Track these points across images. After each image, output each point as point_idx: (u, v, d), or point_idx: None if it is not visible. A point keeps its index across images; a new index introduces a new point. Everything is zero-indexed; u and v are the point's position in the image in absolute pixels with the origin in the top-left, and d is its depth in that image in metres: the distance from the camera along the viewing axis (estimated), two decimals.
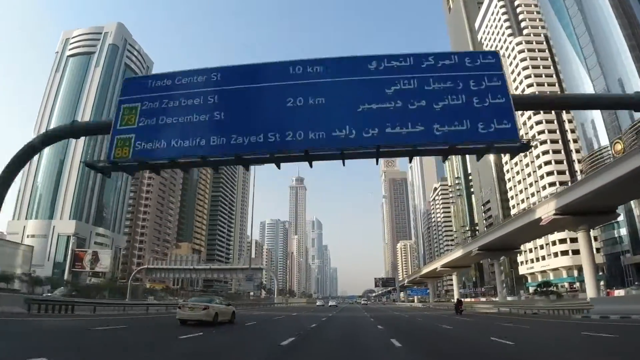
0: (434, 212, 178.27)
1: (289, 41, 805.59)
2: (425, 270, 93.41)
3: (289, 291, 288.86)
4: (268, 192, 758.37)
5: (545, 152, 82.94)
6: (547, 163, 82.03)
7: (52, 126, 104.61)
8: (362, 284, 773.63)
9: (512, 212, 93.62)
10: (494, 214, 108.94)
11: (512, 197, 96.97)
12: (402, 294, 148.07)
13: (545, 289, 49.89)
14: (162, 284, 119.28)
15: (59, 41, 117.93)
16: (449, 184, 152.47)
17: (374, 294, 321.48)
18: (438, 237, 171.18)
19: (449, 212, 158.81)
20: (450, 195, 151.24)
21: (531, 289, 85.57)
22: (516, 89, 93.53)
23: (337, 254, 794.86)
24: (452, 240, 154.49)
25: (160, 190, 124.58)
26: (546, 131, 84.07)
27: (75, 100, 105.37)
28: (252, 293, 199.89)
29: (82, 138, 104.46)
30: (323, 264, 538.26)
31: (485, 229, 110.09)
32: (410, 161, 16.16)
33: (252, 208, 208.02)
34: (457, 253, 65.44)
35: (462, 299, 43.79)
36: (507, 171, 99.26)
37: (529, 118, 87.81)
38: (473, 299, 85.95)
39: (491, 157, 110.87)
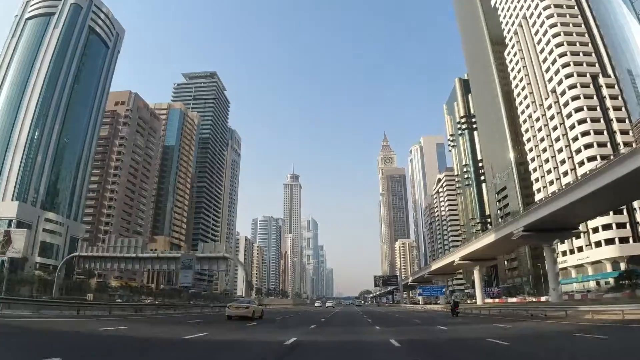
0: (437, 206, 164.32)
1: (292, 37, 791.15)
2: (436, 265, 79.01)
3: (281, 292, 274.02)
4: (261, 190, 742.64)
5: (582, 121, 69.04)
6: (585, 134, 68.09)
7: (3, 94, 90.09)
8: (359, 285, 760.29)
9: (537, 197, 79.96)
10: (512, 203, 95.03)
11: (536, 180, 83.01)
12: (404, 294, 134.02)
13: (628, 281, 35.64)
14: (130, 280, 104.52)
15: (20, 4, 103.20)
16: (456, 173, 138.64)
17: (370, 295, 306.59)
18: (442, 232, 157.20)
19: (455, 204, 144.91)
20: (457, 186, 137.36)
21: (565, 287, 71.63)
22: (545, 60, 79.86)
23: (333, 254, 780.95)
24: (459, 235, 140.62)
25: (131, 175, 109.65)
26: (582, 96, 70.23)
27: (30, 66, 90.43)
28: (242, 293, 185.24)
29: (32, 110, 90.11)
30: (318, 264, 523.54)
31: (500, 220, 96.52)
32: None
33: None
34: (486, 239, 51.27)
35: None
36: (531, 149, 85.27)
37: (560, 82, 73.97)
38: (498, 300, 71.65)
39: (507, 136, 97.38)
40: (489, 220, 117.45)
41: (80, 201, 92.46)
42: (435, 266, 79.12)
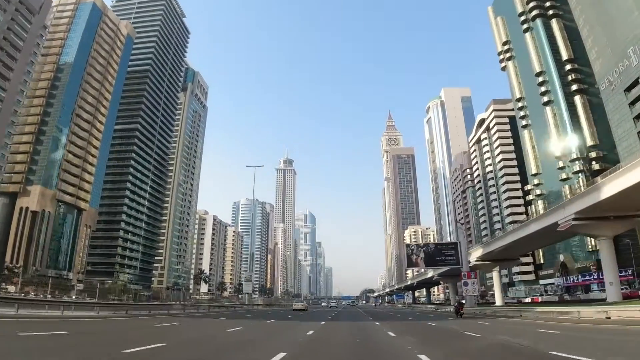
0: (477, 162, 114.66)
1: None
2: None
3: (268, 290, 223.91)
4: (252, 178, 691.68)
5: None
6: None
7: None
8: (360, 284, 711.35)
9: None
10: None
11: None
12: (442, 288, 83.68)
13: None
14: None
15: None
16: (518, 97, 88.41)
17: (375, 294, 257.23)
18: (487, 199, 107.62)
19: (511, 151, 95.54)
20: (522, 114, 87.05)
21: None
22: None
23: (333, 253, 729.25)
24: (520, 197, 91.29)
25: None
26: None
27: None
28: (191, 289, 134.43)
29: None
30: (316, 261, 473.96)
31: None
32: None
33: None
34: None
35: None
36: None
37: None
38: None
39: None
40: (592, 154, 67.99)
41: None
42: None
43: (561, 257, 71.79)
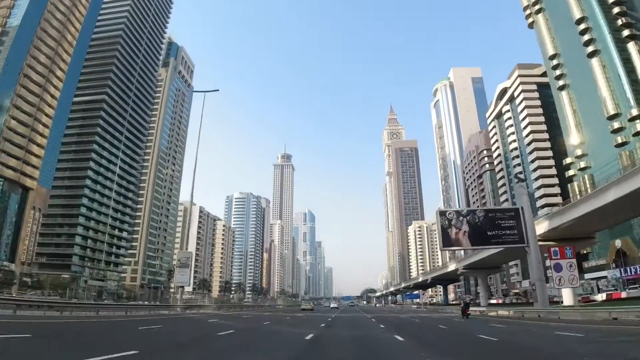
0: (497, 141, 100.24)
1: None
2: None
3: (262, 290, 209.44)
4: (248, 170, 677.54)
5: None
6: None
7: None
8: (360, 285, 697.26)
9: None
10: None
11: None
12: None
13: None
14: None
15: None
16: (551, 54, 73.88)
17: (377, 294, 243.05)
18: (510, 182, 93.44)
19: (541, 122, 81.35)
20: (557, 73, 72.61)
21: None
22: None
23: (333, 253, 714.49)
24: (553, 175, 76.99)
25: None
26: None
27: None
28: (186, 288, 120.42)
29: None
30: (316, 261, 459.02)
31: None
32: None
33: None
34: None
35: None
36: None
37: None
38: None
39: None
40: None
41: None
42: None
43: (617, 243, 57.47)
